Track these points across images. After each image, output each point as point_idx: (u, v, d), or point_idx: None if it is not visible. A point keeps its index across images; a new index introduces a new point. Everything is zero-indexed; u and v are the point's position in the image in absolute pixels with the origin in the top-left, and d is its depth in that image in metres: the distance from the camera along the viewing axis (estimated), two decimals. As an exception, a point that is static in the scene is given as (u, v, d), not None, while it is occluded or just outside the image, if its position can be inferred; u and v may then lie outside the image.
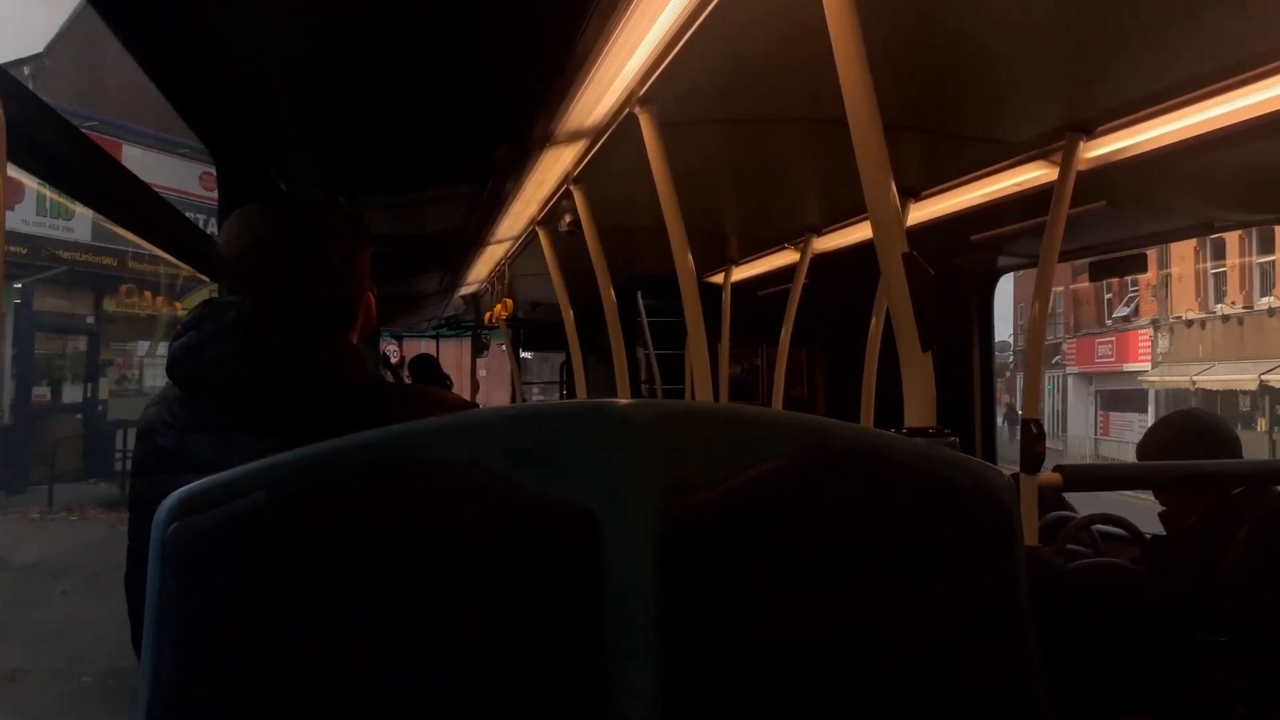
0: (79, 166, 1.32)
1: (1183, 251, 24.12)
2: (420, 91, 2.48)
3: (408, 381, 6.74)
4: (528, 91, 2.40)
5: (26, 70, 17.35)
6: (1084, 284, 28.19)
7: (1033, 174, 2.90)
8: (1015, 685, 1.01)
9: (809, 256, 4.13)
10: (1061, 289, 30.53)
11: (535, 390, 11.63)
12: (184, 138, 15.46)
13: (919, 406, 1.47)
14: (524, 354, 11.24)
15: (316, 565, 0.89)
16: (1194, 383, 23.83)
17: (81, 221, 16.02)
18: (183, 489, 0.93)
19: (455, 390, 7.24)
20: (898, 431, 1.43)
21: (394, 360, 10.56)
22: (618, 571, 0.90)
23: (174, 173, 16.43)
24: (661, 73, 2.20)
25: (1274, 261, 21.83)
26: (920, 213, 3.38)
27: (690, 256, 2.59)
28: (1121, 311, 28.84)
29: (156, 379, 17.68)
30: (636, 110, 2.40)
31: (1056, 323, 31.96)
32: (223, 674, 0.89)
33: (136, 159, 15.15)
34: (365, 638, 0.88)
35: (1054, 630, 2.36)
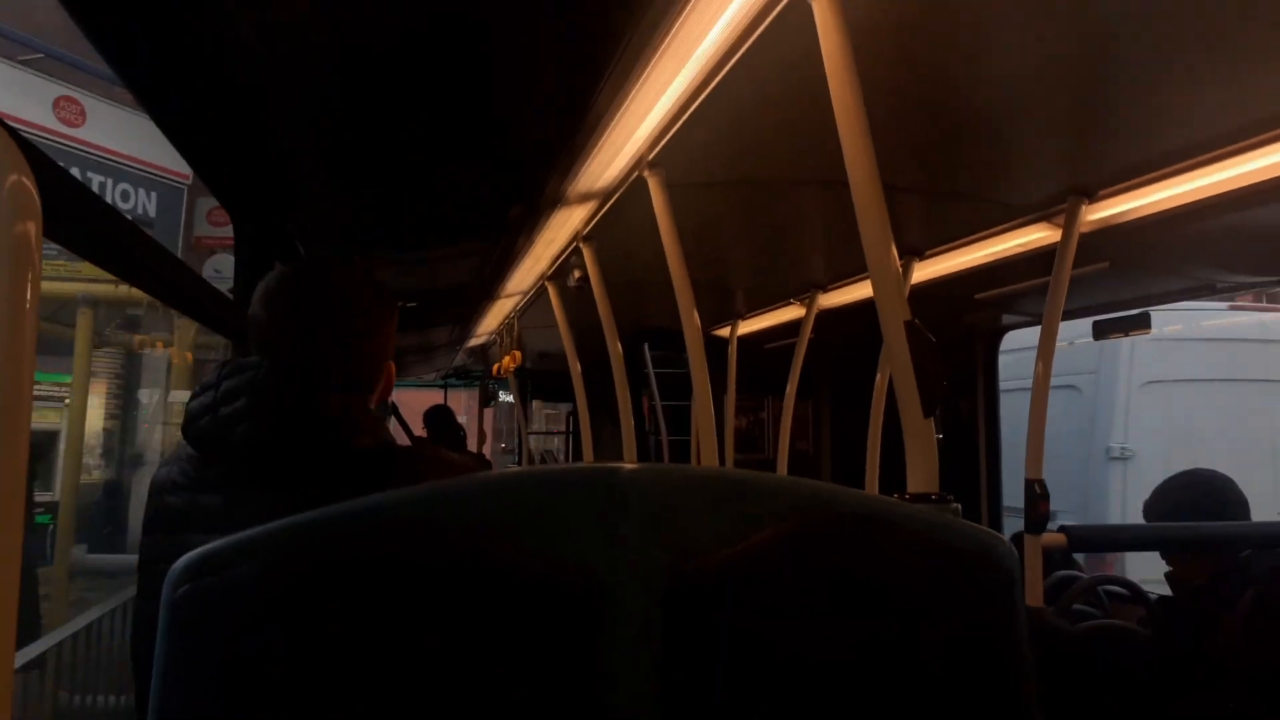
0: (106, 237, 1.35)
1: None
2: (437, 152, 2.53)
3: (421, 433, 6.73)
4: (541, 155, 2.44)
5: None
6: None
7: (1036, 235, 2.94)
8: None
9: (815, 312, 4.16)
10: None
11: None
12: (31, 35, 10.46)
13: (921, 472, 1.48)
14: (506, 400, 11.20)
15: (324, 630, 0.90)
16: None
17: None
18: (194, 552, 0.94)
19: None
20: (900, 497, 1.45)
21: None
22: (622, 638, 0.91)
23: (12, 92, 10.49)
24: (670, 138, 2.25)
25: None
26: (925, 271, 3.41)
27: (696, 312, 2.62)
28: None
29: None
30: (646, 173, 2.45)
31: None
32: None
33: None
34: (370, 705, 0.89)
35: (1060, 691, 2.36)
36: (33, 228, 0.64)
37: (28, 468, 0.68)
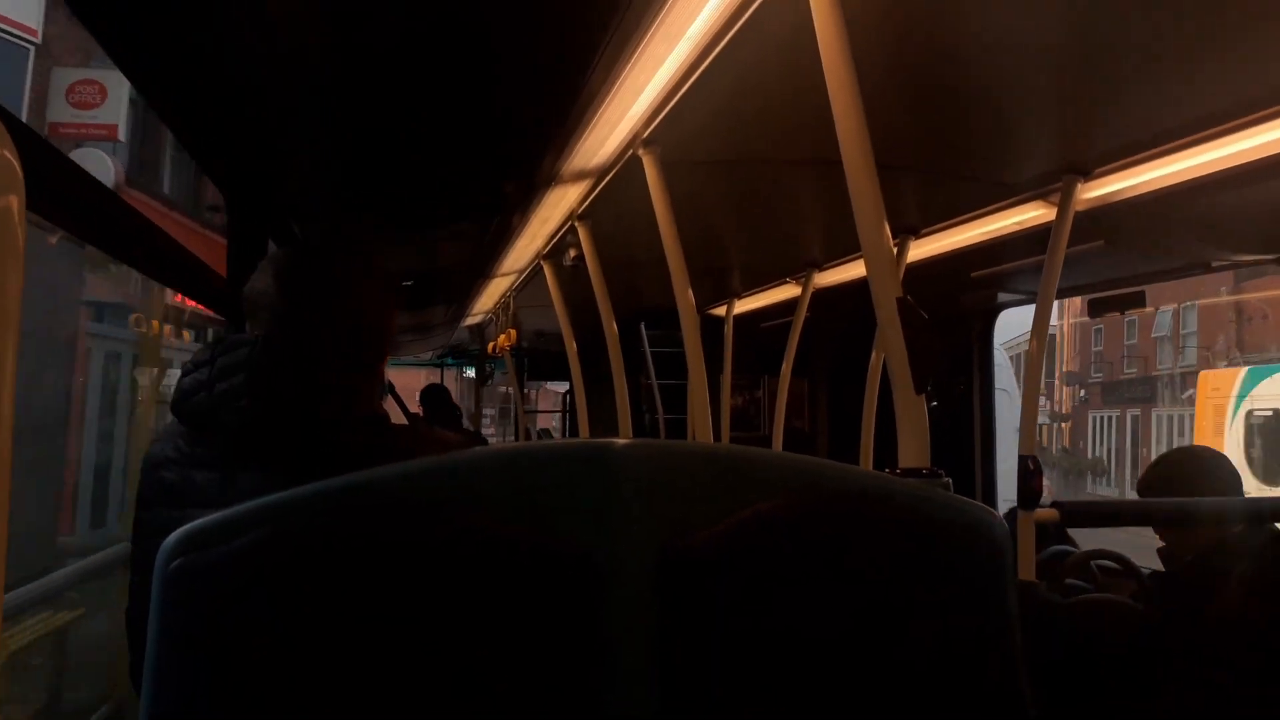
0: (96, 213, 1.35)
1: None
2: (430, 129, 2.52)
3: (417, 410, 6.75)
4: (535, 133, 2.43)
5: None
6: (1271, 292, 20.43)
7: (1031, 214, 2.93)
8: None
9: (810, 291, 4.17)
10: (1193, 303, 23.40)
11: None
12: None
13: (913, 447, 1.49)
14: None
15: (315, 605, 0.91)
16: None
17: None
18: (186, 526, 0.95)
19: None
20: (892, 472, 1.45)
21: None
22: (615, 612, 0.92)
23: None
24: (665, 116, 2.24)
25: None
26: (921, 250, 3.41)
27: (691, 291, 2.62)
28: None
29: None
30: (640, 151, 2.44)
31: (1185, 346, 24.90)
32: (223, 710, 0.90)
33: None
34: (361, 679, 0.89)
35: (1052, 665, 2.38)
36: (15, 202, 0.64)
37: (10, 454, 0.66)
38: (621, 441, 0.98)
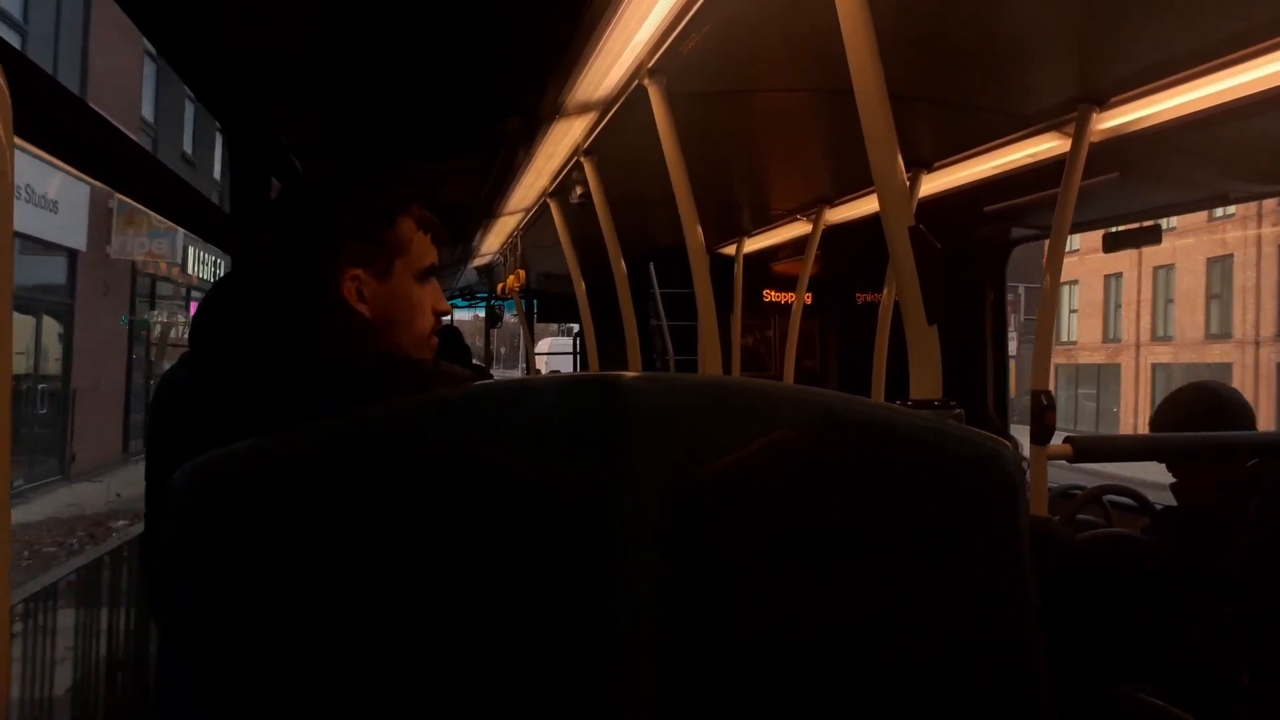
0: (85, 139, 1.33)
1: None
2: (430, 62, 2.48)
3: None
4: (537, 63, 2.39)
5: None
6: None
7: (1045, 145, 2.88)
8: (1017, 658, 1.02)
9: (821, 227, 4.13)
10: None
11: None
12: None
13: (925, 379, 1.47)
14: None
15: (326, 538, 0.90)
16: None
17: None
18: (196, 460, 0.94)
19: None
20: (903, 404, 1.44)
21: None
22: (622, 544, 0.92)
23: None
24: (670, 44, 2.19)
25: None
26: (933, 184, 3.37)
27: (700, 229, 2.59)
28: None
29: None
30: (646, 82, 2.39)
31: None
32: (239, 644, 0.90)
33: None
34: (372, 612, 0.89)
35: (1063, 600, 2.38)
36: (1, 126, 0.62)
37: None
38: (629, 375, 0.97)
